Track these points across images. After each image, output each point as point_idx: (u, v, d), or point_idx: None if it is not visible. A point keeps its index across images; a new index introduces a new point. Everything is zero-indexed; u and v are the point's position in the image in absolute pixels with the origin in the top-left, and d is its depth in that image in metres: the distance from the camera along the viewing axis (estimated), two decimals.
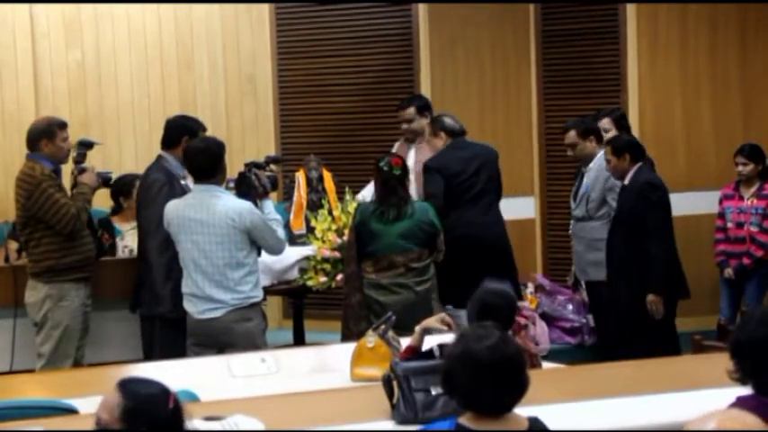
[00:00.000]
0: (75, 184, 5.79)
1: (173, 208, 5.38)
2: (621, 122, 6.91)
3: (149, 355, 5.65)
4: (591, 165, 6.50)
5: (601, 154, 6.40)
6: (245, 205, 5.29)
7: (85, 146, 5.94)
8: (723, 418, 2.51)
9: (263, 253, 5.51)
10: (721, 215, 7.22)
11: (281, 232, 5.45)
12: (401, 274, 5.88)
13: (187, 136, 5.70)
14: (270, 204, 5.52)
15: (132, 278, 5.90)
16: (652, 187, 6.09)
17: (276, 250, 5.52)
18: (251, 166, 5.68)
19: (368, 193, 7.03)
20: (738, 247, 7.10)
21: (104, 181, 5.92)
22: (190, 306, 5.33)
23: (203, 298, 5.26)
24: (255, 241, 5.31)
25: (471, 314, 4.18)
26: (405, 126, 6.88)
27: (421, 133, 6.83)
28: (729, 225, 7.15)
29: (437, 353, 4.02)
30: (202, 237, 5.23)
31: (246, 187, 5.52)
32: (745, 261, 7.05)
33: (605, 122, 6.83)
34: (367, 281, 5.90)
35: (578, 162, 6.73)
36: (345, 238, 6.28)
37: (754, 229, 7.05)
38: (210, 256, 5.23)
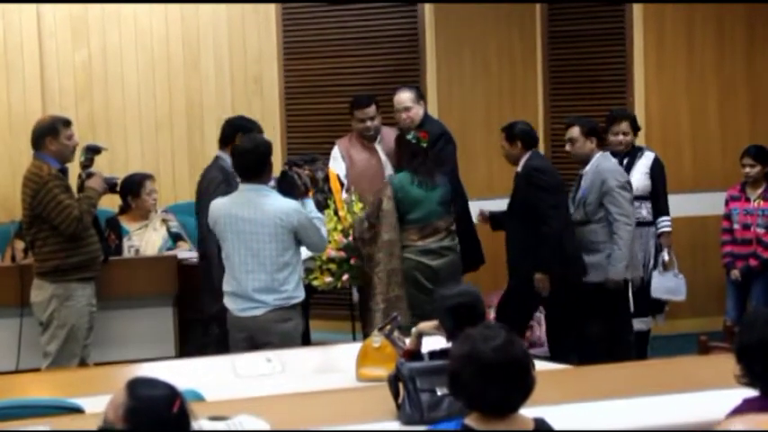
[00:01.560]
0: (81, 188, 5.79)
1: (219, 206, 5.35)
2: (633, 125, 6.92)
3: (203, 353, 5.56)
4: (587, 168, 6.45)
5: (597, 156, 6.38)
6: (293, 204, 5.25)
7: (93, 151, 5.94)
8: (751, 421, 2.48)
9: None
10: (727, 217, 7.20)
11: (324, 230, 5.43)
12: (444, 238, 6.21)
13: (240, 133, 5.78)
14: (311, 203, 5.46)
15: (138, 278, 5.90)
16: (538, 171, 6.20)
17: (320, 248, 5.57)
18: (290, 164, 5.66)
19: (337, 165, 6.94)
20: (745, 249, 7.09)
21: (110, 186, 5.92)
22: (230, 303, 5.30)
23: (245, 297, 5.22)
24: (301, 240, 5.29)
25: (445, 319, 4.07)
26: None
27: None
28: (736, 227, 7.14)
29: (427, 359, 4.03)
30: (251, 235, 5.20)
31: (288, 185, 5.48)
32: (752, 263, 7.04)
33: (624, 126, 6.84)
34: (414, 248, 6.14)
35: (579, 163, 6.68)
36: (351, 238, 6.30)
37: (760, 230, 7.03)
38: (258, 254, 5.19)
